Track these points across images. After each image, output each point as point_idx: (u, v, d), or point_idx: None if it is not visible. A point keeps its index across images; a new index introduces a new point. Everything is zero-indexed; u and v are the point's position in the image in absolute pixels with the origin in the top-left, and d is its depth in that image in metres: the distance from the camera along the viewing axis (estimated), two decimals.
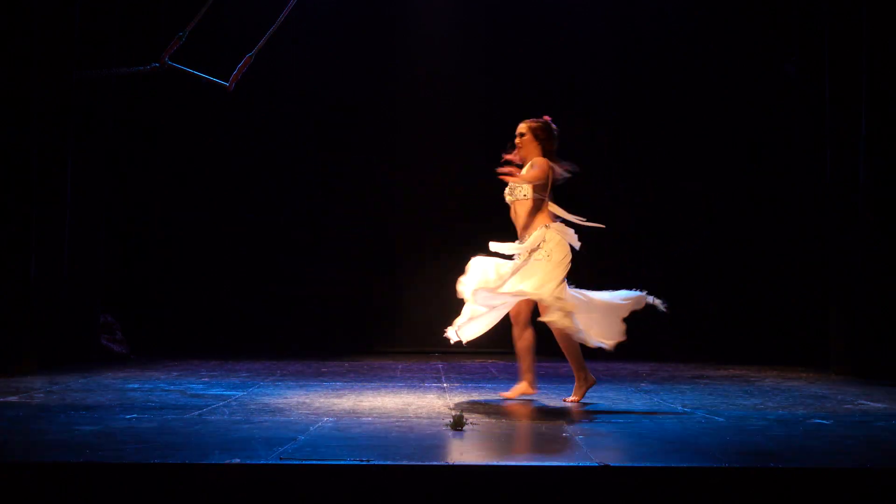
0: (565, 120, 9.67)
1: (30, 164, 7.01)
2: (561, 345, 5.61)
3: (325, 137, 9.59)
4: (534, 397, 5.82)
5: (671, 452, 3.87)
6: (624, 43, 9.64)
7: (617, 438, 4.22)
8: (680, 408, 5.34)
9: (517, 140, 5.89)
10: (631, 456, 3.76)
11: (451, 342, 5.67)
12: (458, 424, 4.43)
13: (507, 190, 5.79)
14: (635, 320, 9.40)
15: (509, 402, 5.67)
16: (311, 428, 4.45)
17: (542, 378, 7.08)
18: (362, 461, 3.53)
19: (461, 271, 9.45)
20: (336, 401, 5.58)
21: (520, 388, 5.79)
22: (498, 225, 9.64)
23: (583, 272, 9.53)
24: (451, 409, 5.25)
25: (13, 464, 3.55)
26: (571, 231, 5.68)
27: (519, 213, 5.76)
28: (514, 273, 5.55)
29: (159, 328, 9.20)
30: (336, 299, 9.58)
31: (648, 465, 3.58)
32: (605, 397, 5.87)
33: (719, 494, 3.49)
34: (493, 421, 4.83)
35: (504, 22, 9.73)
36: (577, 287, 5.66)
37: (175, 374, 7.10)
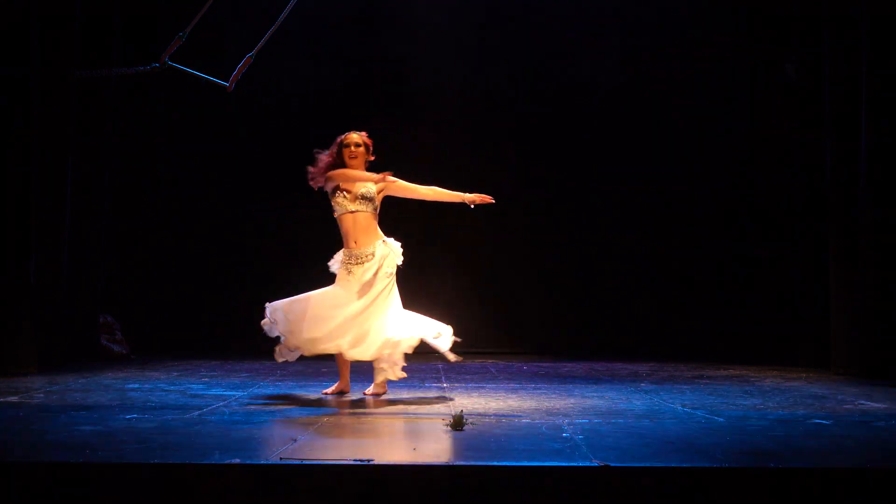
0: (566, 120, 9.75)
1: (30, 163, 7.02)
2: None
3: (326, 138, 9.57)
4: (535, 396, 5.81)
5: (671, 452, 3.86)
6: (624, 42, 9.65)
7: (617, 438, 4.21)
8: (680, 408, 5.34)
9: (358, 150, 5.92)
10: (631, 456, 3.75)
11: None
12: (458, 424, 4.43)
13: (346, 198, 5.81)
14: (635, 320, 9.50)
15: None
16: (311, 428, 4.45)
17: (541, 378, 7.09)
18: (362, 461, 3.53)
19: (462, 271, 9.51)
20: (337, 401, 5.57)
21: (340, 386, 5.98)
22: (497, 226, 9.68)
23: (584, 273, 9.63)
24: (451, 409, 5.25)
25: (13, 464, 3.55)
26: (398, 245, 5.92)
27: (363, 223, 5.83)
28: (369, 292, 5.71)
29: (159, 328, 9.20)
30: None
31: (648, 465, 3.57)
32: (605, 397, 5.86)
33: (719, 494, 3.49)
34: (493, 421, 4.82)
35: (505, 22, 9.74)
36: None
37: (175, 374, 7.11)
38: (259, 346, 9.17)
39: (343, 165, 5.90)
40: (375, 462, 3.54)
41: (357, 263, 5.75)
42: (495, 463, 3.62)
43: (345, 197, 5.82)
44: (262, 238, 9.63)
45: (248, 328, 9.47)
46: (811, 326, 8.15)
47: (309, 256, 9.73)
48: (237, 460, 3.54)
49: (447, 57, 9.67)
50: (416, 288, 9.61)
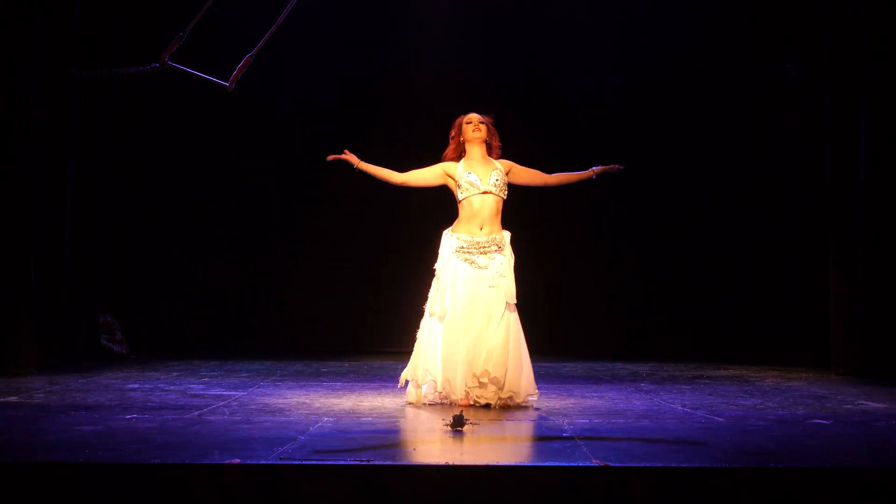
0: (565, 121, 9.75)
1: (30, 163, 7.02)
2: None
3: (326, 138, 9.56)
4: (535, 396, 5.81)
5: (671, 452, 3.86)
6: (624, 43, 9.64)
7: (617, 438, 4.21)
8: (680, 408, 5.34)
9: (481, 126, 5.70)
10: (631, 456, 3.75)
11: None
12: (458, 424, 4.43)
13: (484, 180, 5.54)
14: (635, 320, 9.50)
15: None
16: (311, 428, 4.45)
17: (541, 378, 7.08)
18: (362, 461, 3.53)
19: None
20: (336, 401, 5.57)
21: None
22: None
23: (584, 273, 9.62)
24: (451, 409, 5.25)
25: (13, 464, 3.55)
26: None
27: (495, 208, 5.59)
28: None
29: (159, 328, 9.21)
30: (336, 299, 9.59)
31: (648, 465, 3.57)
32: (605, 397, 5.87)
33: (719, 494, 3.49)
34: (493, 421, 4.82)
35: (504, 22, 9.73)
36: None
37: (175, 374, 7.11)
38: (259, 347, 9.26)
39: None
40: (375, 462, 3.54)
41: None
42: (495, 463, 3.63)
43: None
44: (263, 238, 9.64)
45: (249, 328, 9.56)
46: (811, 326, 8.15)
47: (309, 255, 9.79)
48: (237, 460, 3.54)
49: (448, 59, 9.66)
50: (416, 289, 9.64)
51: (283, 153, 9.65)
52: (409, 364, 5.59)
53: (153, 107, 9.33)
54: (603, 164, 5.78)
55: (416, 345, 5.60)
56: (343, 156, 5.65)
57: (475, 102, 9.44)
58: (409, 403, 5.48)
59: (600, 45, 9.63)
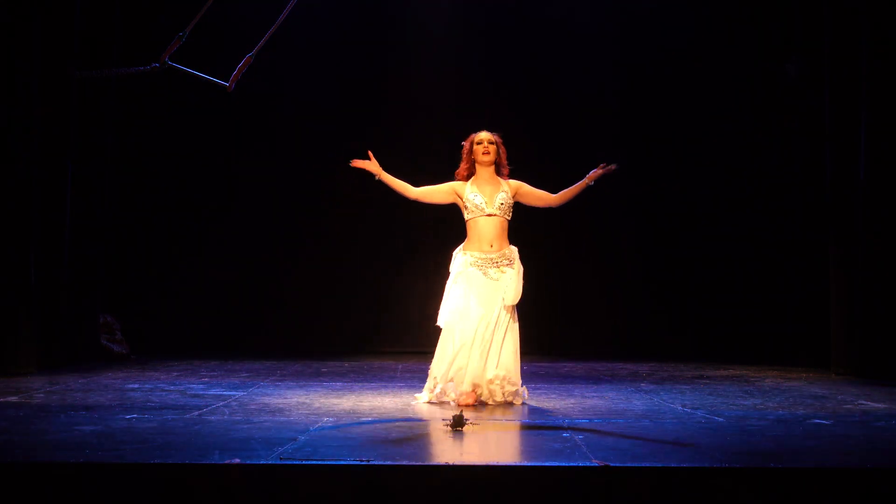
0: (566, 119, 9.75)
1: (30, 163, 7.02)
2: None
3: (325, 138, 9.58)
4: (535, 396, 5.81)
5: (671, 452, 3.86)
6: (624, 43, 9.64)
7: (617, 438, 4.22)
8: (680, 408, 5.34)
9: (491, 147, 5.78)
10: (631, 456, 3.75)
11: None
12: (458, 424, 4.43)
13: (489, 203, 5.67)
14: (635, 320, 9.50)
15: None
16: (311, 428, 4.45)
17: (541, 378, 7.09)
18: (362, 461, 3.53)
19: None
20: (336, 401, 5.58)
21: None
22: None
23: (584, 273, 9.62)
24: (451, 409, 5.25)
25: (13, 464, 3.55)
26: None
27: (500, 228, 5.70)
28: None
29: (159, 328, 9.21)
30: (337, 299, 9.59)
31: (648, 465, 3.57)
32: (605, 397, 5.87)
33: (719, 494, 3.49)
34: (493, 421, 4.82)
35: (504, 22, 9.73)
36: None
37: (175, 374, 7.11)
38: (259, 347, 9.26)
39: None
40: (375, 462, 3.54)
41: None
42: (495, 463, 3.63)
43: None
44: (263, 238, 9.63)
45: (249, 328, 9.56)
46: (811, 326, 8.15)
47: (309, 255, 9.79)
48: (237, 460, 3.54)
49: (448, 59, 9.65)
50: (415, 289, 9.65)
51: (283, 153, 9.65)
52: (427, 383, 5.71)
53: (153, 107, 9.33)
54: (596, 168, 5.80)
55: (432, 363, 5.70)
56: (368, 164, 5.73)
57: (475, 102, 9.56)
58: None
59: (600, 45, 9.63)
